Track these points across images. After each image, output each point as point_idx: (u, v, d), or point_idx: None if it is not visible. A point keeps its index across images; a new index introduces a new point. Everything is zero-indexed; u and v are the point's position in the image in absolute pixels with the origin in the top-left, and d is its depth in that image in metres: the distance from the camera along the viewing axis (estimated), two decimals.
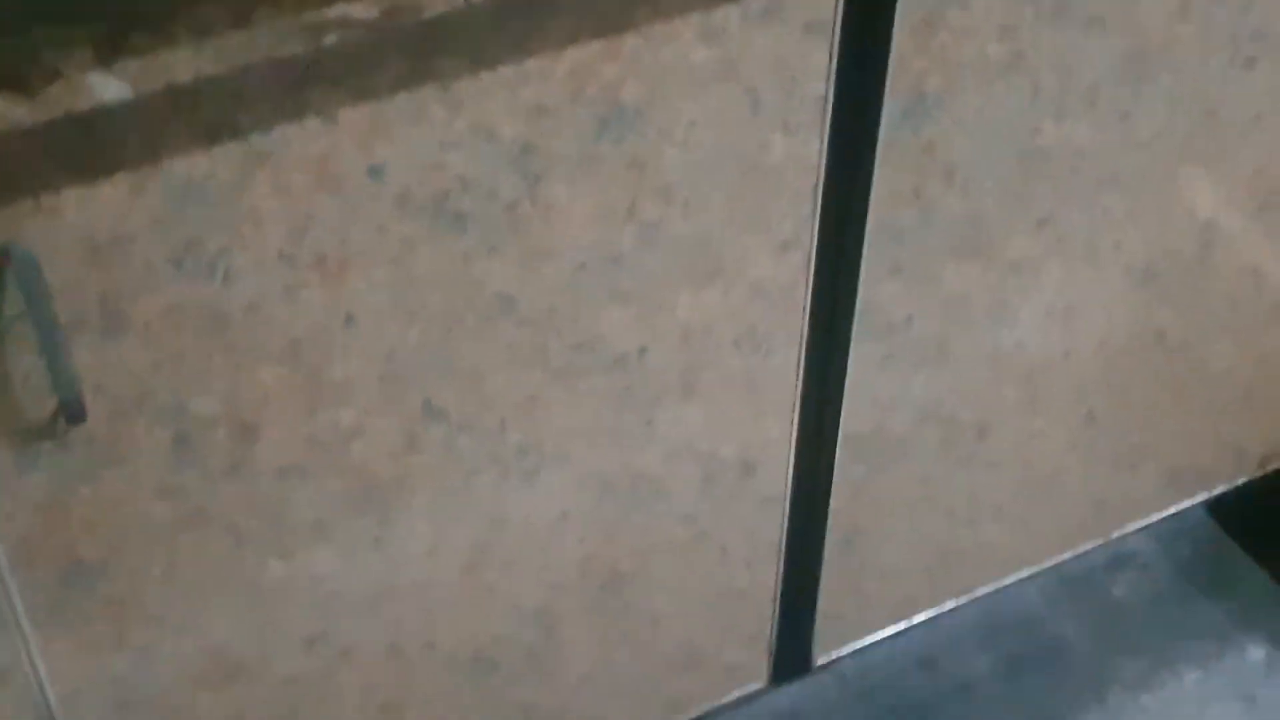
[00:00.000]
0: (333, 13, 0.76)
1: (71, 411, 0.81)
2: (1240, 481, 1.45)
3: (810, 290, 1.05)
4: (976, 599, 1.41)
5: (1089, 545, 1.41)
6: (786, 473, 1.16)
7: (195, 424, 0.87)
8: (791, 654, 1.32)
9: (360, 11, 0.76)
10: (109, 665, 0.94)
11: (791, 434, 1.13)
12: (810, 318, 1.06)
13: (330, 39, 0.76)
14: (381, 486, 0.97)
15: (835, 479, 1.18)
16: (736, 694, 1.31)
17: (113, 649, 0.94)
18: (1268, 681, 1.39)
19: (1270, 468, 1.45)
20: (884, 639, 1.38)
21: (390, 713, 1.10)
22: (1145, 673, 1.39)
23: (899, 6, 0.94)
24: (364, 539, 0.99)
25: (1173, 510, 1.43)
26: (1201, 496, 1.43)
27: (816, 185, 0.99)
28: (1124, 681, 1.38)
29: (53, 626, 0.90)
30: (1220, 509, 1.49)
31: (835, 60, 0.94)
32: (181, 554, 0.92)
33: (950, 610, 1.40)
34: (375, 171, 0.83)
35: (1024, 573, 1.39)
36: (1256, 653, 1.41)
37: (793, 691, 1.37)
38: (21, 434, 0.82)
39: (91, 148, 0.74)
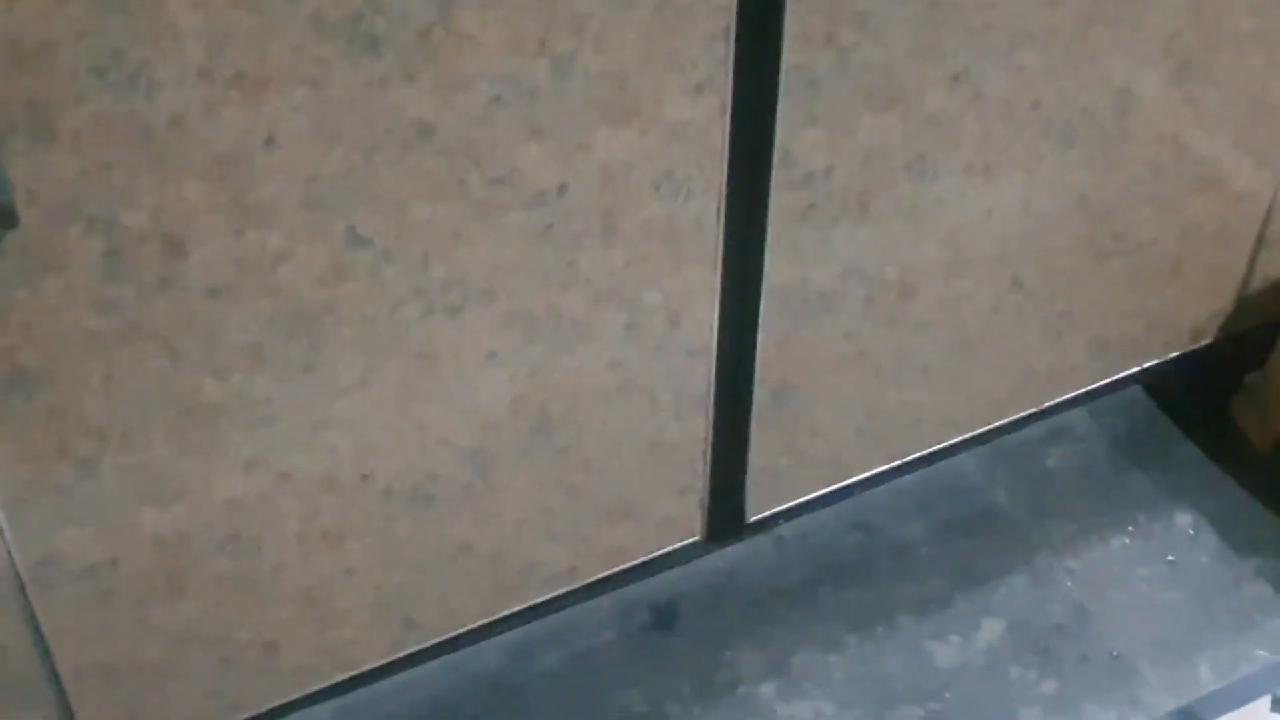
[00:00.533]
0: None
1: (5, 215, 0.87)
2: (1172, 356, 1.49)
3: (728, 135, 1.09)
4: (913, 468, 1.46)
5: (1021, 414, 1.45)
6: (712, 323, 1.20)
7: (125, 236, 0.92)
8: (725, 509, 1.37)
9: None
10: (53, 475, 1.00)
11: (715, 283, 1.17)
12: (729, 164, 1.11)
13: None
14: (311, 313, 1.02)
15: (760, 332, 1.23)
16: (672, 546, 1.36)
17: (55, 458, 0.99)
18: (1192, 546, 1.44)
19: (1201, 343, 1.49)
20: (821, 504, 1.44)
21: (331, 541, 1.16)
22: (1074, 538, 1.44)
23: None
24: (296, 365, 1.04)
25: (1104, 382, 1.47)
26: (1133, 369, 1.48)
27: (729, 27, 1.03)
28: (1053, 545, 1.43)
29: None
30: (1155, 385, 1.54)
31: None
32: (119, 368, 0.98)
33: (886, 477, 1.45)
34: None
35: (955, 439, 1.43)
36: (1183, 519, 1.46)
37: (730, 553, 1.42)
38: None
39: None
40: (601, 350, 1.17)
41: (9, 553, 1.03)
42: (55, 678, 1.13)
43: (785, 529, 1.45)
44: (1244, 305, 1.48)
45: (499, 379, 1.14)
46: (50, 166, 0.87)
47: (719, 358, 1.24)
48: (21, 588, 1.06)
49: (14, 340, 0.93)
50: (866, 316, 1.27)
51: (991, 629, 1.39)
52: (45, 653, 1.10)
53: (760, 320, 1.22)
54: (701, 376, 1.24)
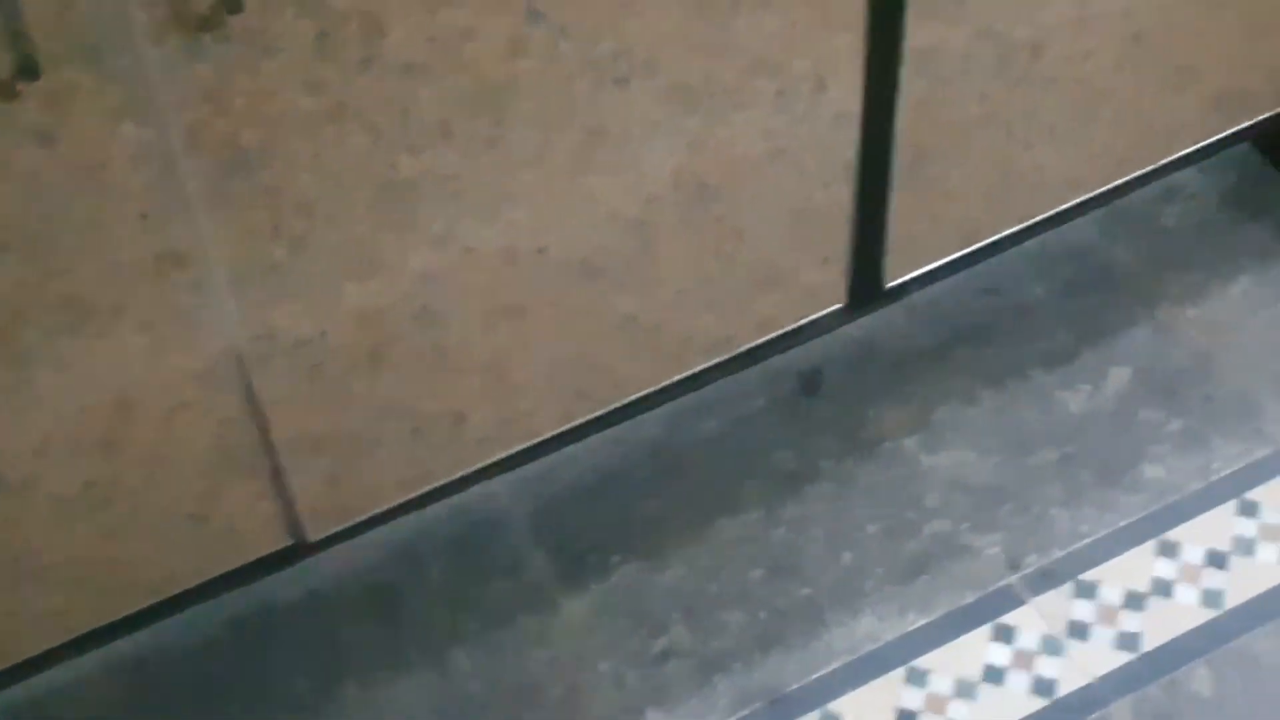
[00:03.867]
0: None
1: (231, 1, 0.93)
2: None
3: None
4: (1037, 231, 1.52)
5: (1138, 172, 1.51)
6: (857, 89, 1.26)
7: (332, 17, 0.98)
8: (865, 276, 1.44)
9: None
10: (269, 252, 1.08)
11: (860, 47, 1.23)
12: None
13: None
14: (494, 88, 1.09)
15: (901, 95, 1.29)
16: (818, 314, 1.44)
17: (271, 237, 1.07)
18: None
19: None
20: (950, 270, 1.50)
21: (511, 314, 1.24)
22: (1192, 288, 1.50)
23: None
24: (481, 139, 1.11)
25: (1218, 137, 1.52)
26: (1246, 123, 1.52)
27: None
28: (1173, 297, 1.50)
29: (220, 210, 1.04)
30: (1265, 140, 1.58)
31: None
32: (326, 146, 1.05)
33: (1012, 241, 1.51)
34: None
35: (1077, 199, 1.49)
36: None
37: (866, 321, 1.49)
38: (189, 24, 0.94)
39: None
40: (754, 119, 1.23)
41: (232, 329, 1.12)
42: (270, 448, 1.22)
43: (916, 297, 1.52)
44: None
45: (661, 150, 1.21)
46: None
47: (863, 124, 1.29)
48: (241, 363, 1.15)
49: (237, 123, 1.01)
50: (998, 77, 1.32)
51: (1118, 377, 1.46)
52: (263, 425, 1.20)
53: (901, 84, 1.28)
54: (847, 143, 1.30)
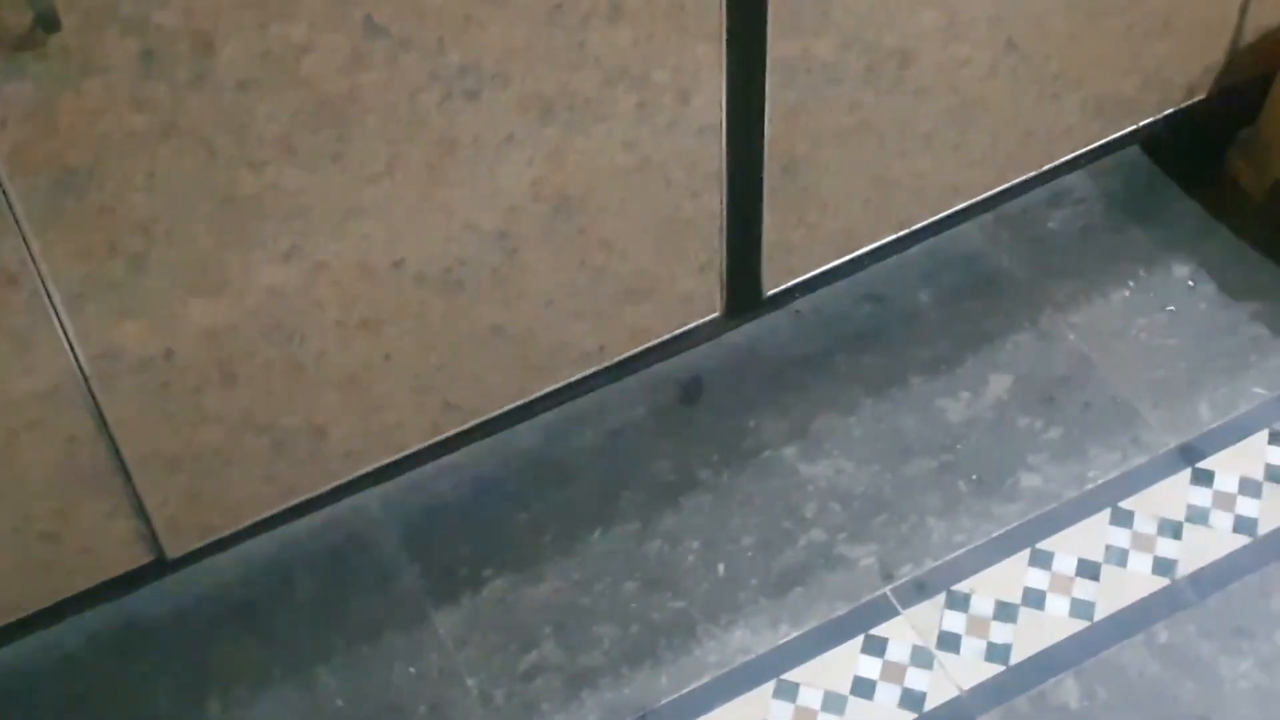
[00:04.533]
0: None
1: (47, 20, 0.91)
2: (1167, 113, 1.53)
3: None
4: (920, 238, 1.51)
5: (1021, 178, 1.50)
6: (720, 100, 1.25)
7: (158, 35, 0.96)
8: (743, 284, 1.43)
9: None
10: (106, 271, 1.06)
11: (721, 59, 1.21)
12: None
13: None
14: (335, 103, 1.07)
15: (768, 106, 1.27)
16: (694, 323, 1.42)
17: (107, 255, 1.05)
18: (1191, 295, 1.49)
19: (1195, 98, 1.53)
20: (833, 276, 1.49)
21: (369, 327, 1.22)
22: (1076, 294, 1.49)
23: None
24: (325, 154, 1.09)
25: (1102, 142, 1.52)
26: (1129, 128, 1.52)
27: None
28: (1056, 303, 1.49)
29: (51, 231, 1.02)
30: (1153, 144, 1.58)
31: None
32: (160, 164, 1.03)
33: (895, 248, 1.50)
34: None
35: (959, 205, 1.48)
36: (1181, 270, 1.51)
37: (749, 329, 1.48)
38: (5, 42, 0.92)
39: None
40: (615, 130, 1.22)
41: (72, 348, 1.10)
42: (122, 467, 1.20)
43: (801, 304, 1.51)
44: (1236, 59, 1.51)
45: (518, 161, 1.19)
46: None
47: (729, 134, 1.28)
48: (86, 381, 1.13)
49: (62, 142, 0.98)
50: (868, 85, 1.31)
51: (999, 384, 1.45)
52: (112, 443, 1.18)
53: (767, 94, 1.27)
54: (714, 153, 1.29)
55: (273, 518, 1.33)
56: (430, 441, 1.35)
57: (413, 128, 1.11)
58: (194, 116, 1.02)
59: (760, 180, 1.33)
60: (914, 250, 1.53)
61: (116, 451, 1.18)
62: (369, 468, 1.34)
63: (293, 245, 1.13)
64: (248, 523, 1.31)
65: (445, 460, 1.41)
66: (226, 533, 1.31)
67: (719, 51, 1.21)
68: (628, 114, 1.21)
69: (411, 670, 1.30)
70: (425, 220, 1.18)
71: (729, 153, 1.29)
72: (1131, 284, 1.50)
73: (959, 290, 1.51)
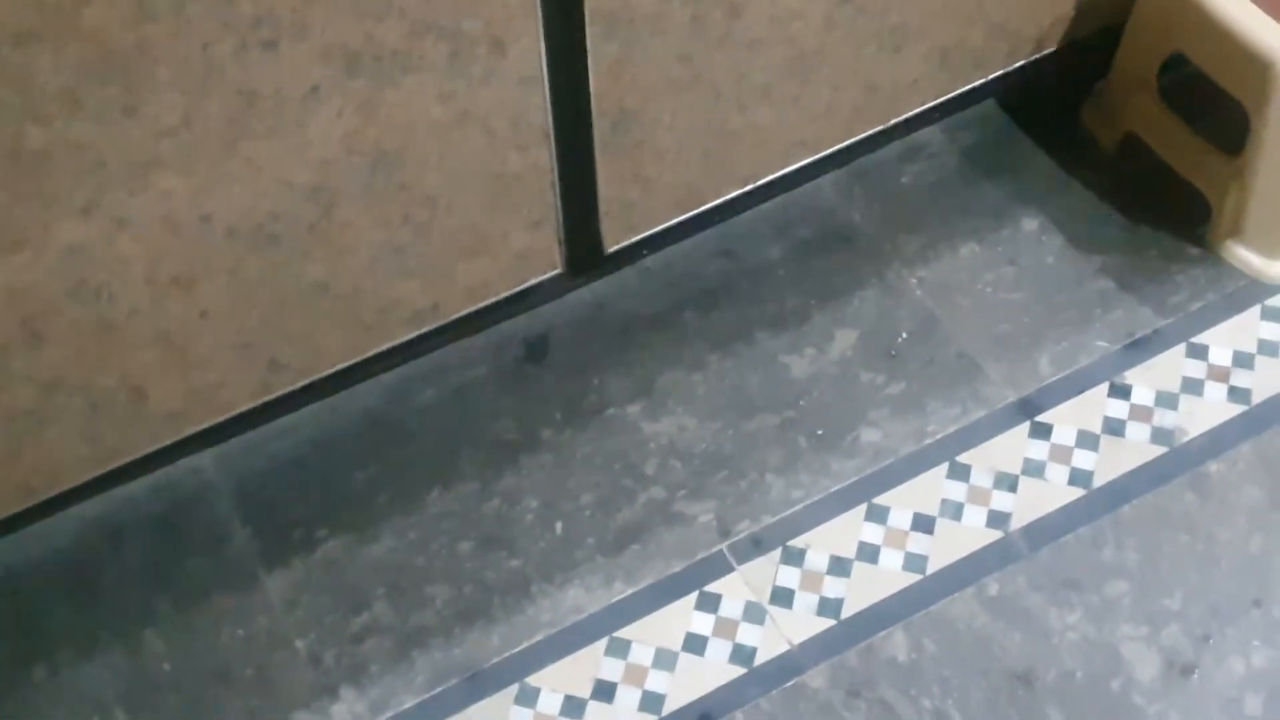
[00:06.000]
0: None
1: None
2: (1017, 65, 1.52)
3: None
4: (771, 193, 1.50)
5: (869, 131, 1.49)
6: (539, 51, 1.23)
7: None
8: (582, 241, 1.42)
9: None
10: None
11: (535, 7, 1.19)
12: None
13: None
14: (122, 55, 1.04)
15: (590, 58, 1.26)
16: (533, 281, 1.41)
17: None
18: (1038, 248, 1.48)
19: (1045, 50, 1.51)
20: (681, 233, 1.48)
21: (181, 284, 1.20)
22: (924, 249, 1.48)
23: None
24: (115, 107, 1.07)
25: (951, 96, 1.51)
26: (978, 81, 1.51)
27: None
28: (904, 258, 1.48)
29: None
30: (1008, 99, 1.56)
31: None
32: None
33: (745, 203, 1.49)
34: None
35: (806, 159, 1.47)
36: (1030, 224, 1.50)
37: (598, 287, 1.46)
38: None
39: None
40: (428, 82, 1.20)
41: None
42: None
43: (651, 261, 1.50)
44: (1085, 10, 1.50)
45: (327, 114, 1.17)
46: None
47: (552, 86, 1.26)
48: None
49: None
50: (696, 37, 1.30)
51: (844, 340, 1.44)
52: None
53: (588, 45, 1.25)
54: (537, 106, 1.27)
55: (98, 480, 1.31)
56: (260, 402, 1.34)
57: (208, 80, 1.09)
58: None
59: (590, 134, 1.32)
60: (767, 206, 1.51)
61: None
62: (195, 429, 1.32)
63: (90, 200, 1.11)
64: (70, 485, 1.30)
65: (283, 421, 1.39)
66: (49, 495, 1.29)
67: (533, 1, 1.19)
68: (440, 65, 1.19)
69: (240, 633, 1.29)
70: (231, 174, 1.16)
71: (554, 105, 1.27)
72: (977, 239, 1.49)
73: (810, 246, 1.50)
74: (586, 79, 1.26)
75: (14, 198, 1.08)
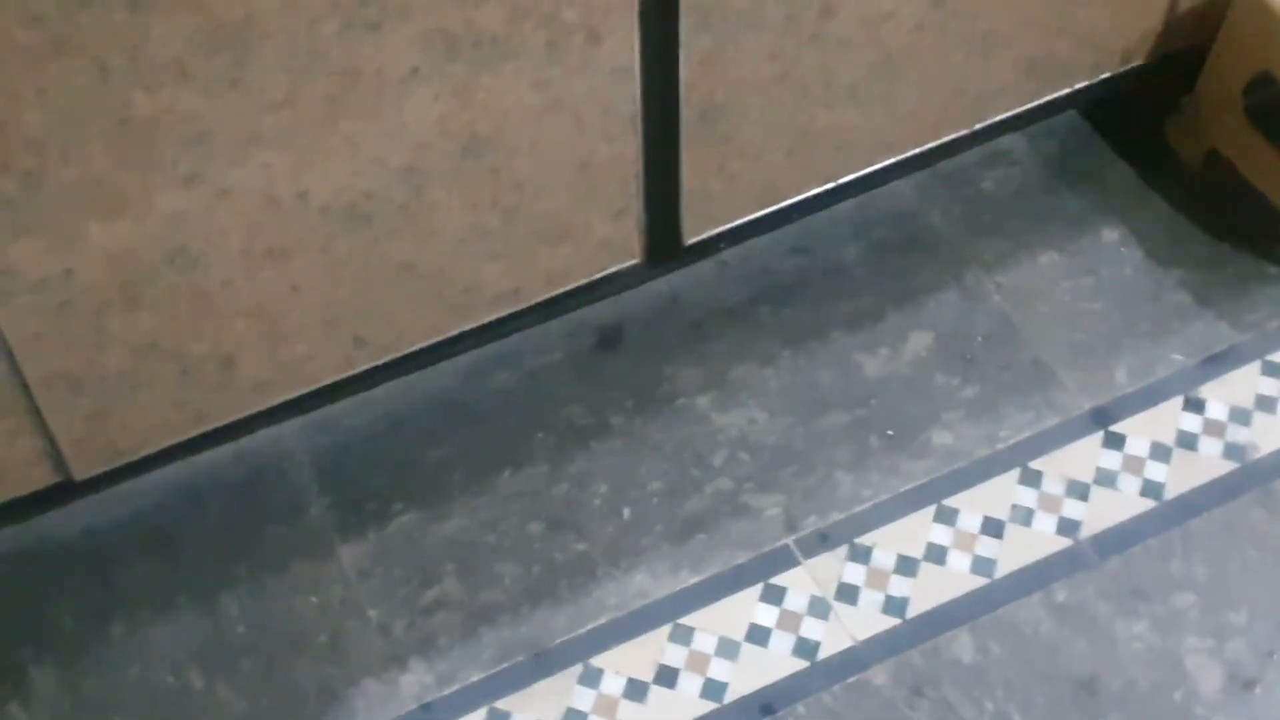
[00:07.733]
0: None
1: None
2: (1103, 77, 1.52)
3: None
4: (851, 192, 1.51)
5: (952, 135, 1.49)
6: (633, 42, 1.24)
7: None
8: (662, 231, 1.43)
9: None
10: None
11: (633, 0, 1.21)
12: None
13: None
14: (231, 27, 1.07)
15: (682, 51, 1.27)
16: (612, 269, 1.43)
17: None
18: (1117, 259, 1.49)
19: (1132, 64, 1.52)
20: (759, 227, 1.49)
21: (275, 258, 1.23)
22: (1004, 255, 1.49)
23: None
24: (222, 80, 1.09)
25: (1036, 104, 1.51)
26: (1064, 90, 1.51)
27: None
28: (983, 263, 1.49)
29: None
30: (1092, 109, 1.57)
31: None
32: (51, 81, 1.03)
33: (824, 201, 1.50)
34: None
35: (888, 160, 1.48)
36: (1111, 235, 1.51)
37: (673, 278, 1.48)
38: None
39: None
40: (524, 69, 1.22)
41: None
42: (24, 386, 1.21)
43: (728, 254, 1.51)
44: (1173, 25, 1.50)
45: (424, 97, 1.19)
46: None
47: (643, 77, 1.28)
48: None
49: None
50: (788, 34, 1.31)
51: (919, 341, 1.45)
52: (12, 361, 1.19)
53: (681, 38, 1.26)
54: (628, 96, 1.29)
55: (184, 445, 1.34)
56: (342, 376, 1.36)
57: (312, 57, 1.12)
58: (84, 34, 1.02)
59: (677, 126, 1.33)
60: (846, 205, 1.52)
61: (17, 369, 1.20)
62: (280, 399, 1.35)
63: (193, 170, 1.14)
64: (157, 448, 1.32)
65: (362, 396, 1.42)
66: (135, 457, 1.32)
67: None
68: (537, 53, 1.21)
69: (314, 600, 1.32)
70: (329, 152, 1.19)
71: (644, 96, 1.29)
72: (1056, 247, 1.50)
73: (888, 246, 1.51)
74: (677, 71, 1.28)
75: (119, 164, 1.11)
